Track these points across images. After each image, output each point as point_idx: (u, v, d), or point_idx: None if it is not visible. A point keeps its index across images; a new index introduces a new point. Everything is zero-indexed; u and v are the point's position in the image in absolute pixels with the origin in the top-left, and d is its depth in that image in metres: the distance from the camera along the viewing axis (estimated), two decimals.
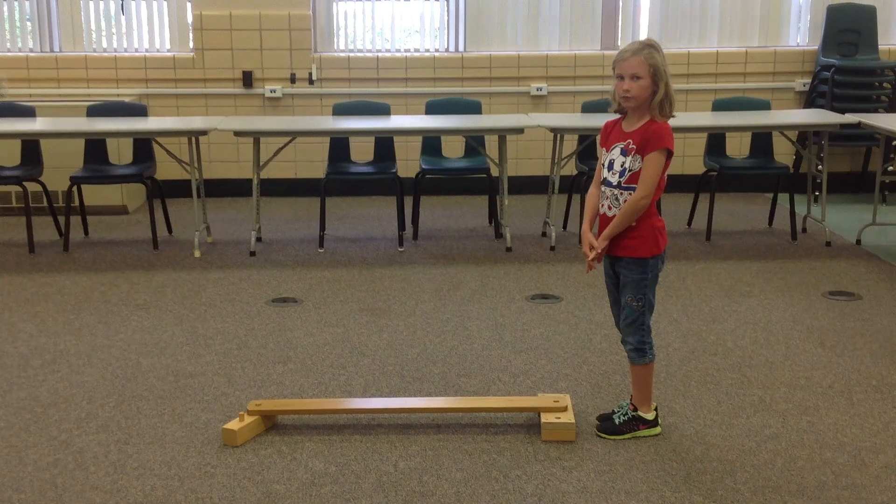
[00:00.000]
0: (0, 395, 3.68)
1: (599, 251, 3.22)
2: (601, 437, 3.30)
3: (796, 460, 3.15)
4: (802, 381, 3.80)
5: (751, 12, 7.44)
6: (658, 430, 3.33)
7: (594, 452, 3.20)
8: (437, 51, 7.45)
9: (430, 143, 6.47)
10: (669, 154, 3.15)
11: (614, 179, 3.21)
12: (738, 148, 6.87)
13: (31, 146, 6.12)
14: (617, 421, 3.33)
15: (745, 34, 7.47)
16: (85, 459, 3.17)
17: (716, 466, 3.10)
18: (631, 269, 3.23)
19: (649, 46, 3.14)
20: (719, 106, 6.49)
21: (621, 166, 3.19)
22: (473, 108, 6.51)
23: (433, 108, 6.50)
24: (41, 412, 3.54)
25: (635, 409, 3.33)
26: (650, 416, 3.33)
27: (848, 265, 5.46)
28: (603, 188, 3.26)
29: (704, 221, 6.09)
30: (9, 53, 7.24)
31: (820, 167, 6.23)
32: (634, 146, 3.17)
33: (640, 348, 3.27)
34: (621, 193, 3.19)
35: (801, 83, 7.39)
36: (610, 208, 3.22)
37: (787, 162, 6.72)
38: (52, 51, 7.31)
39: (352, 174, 6.23)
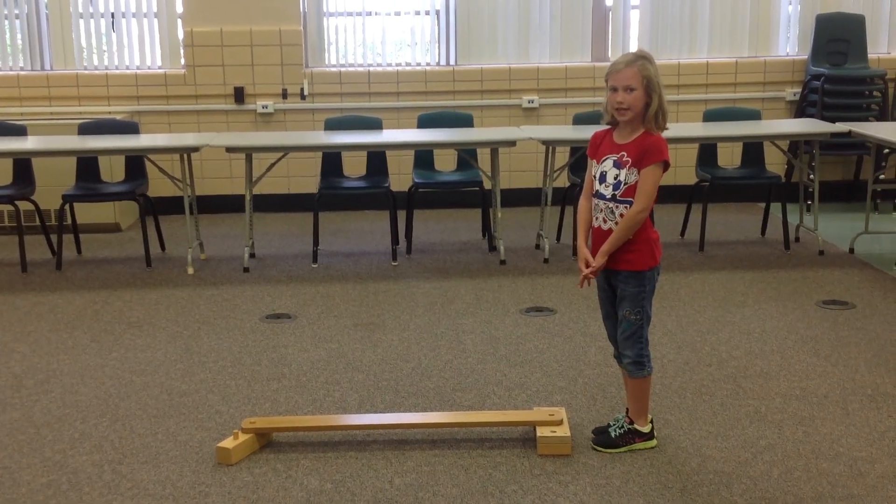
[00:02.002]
0: None
1: (597, 267, 3.21)
2: (597, 450, 3.30)
3: (792, 471, 3.14)
4: (797, 391, 3.80)
5: (740, 23, 7.47)
6: (654, 442, 3.33)
7: (590, 466, 3.19)
8: (428, 64, 7.47)
9: (423, 156, 6.47)
10: (666, 166, 3.15)
11: (608, 192, 3.20)
12: (729, 158, 6.89)
13: (22, 165, 6.10)
14: (613, 434, 3.32)
15: (734, 44, 7.50)
16: (79, 480, 3.15)
17: (712, 479, 3.10)
18: (629, 282, 3.22)
19: (643, 58, 3.14)
20: (710, 116, 6.51)
21: (615, 179, 3.18)
22: (465, 121, 6.52)
23: (425, 122, 6.51)
24: (34, 433, 3.52)
25: (631, 423, 3.32)
26: (646, 429, 3.32)
27: (841, 274, 5.46)
28: (595, 201, 3.25)
29: (697, 232, 6.10)
30: (0, 72, 7.23)
31: (811, 176, 6.25)
32: (629, 159, 3.15)
33: (638, 361, 3.26)
34: (616, 206, 3.17)
35: (792, 93, 7.42)
36: (605, 221, 3.21)
37: (779, 171, 6.75)
38: (43, 69, 7.31)
39: (344, 189, 6.23)
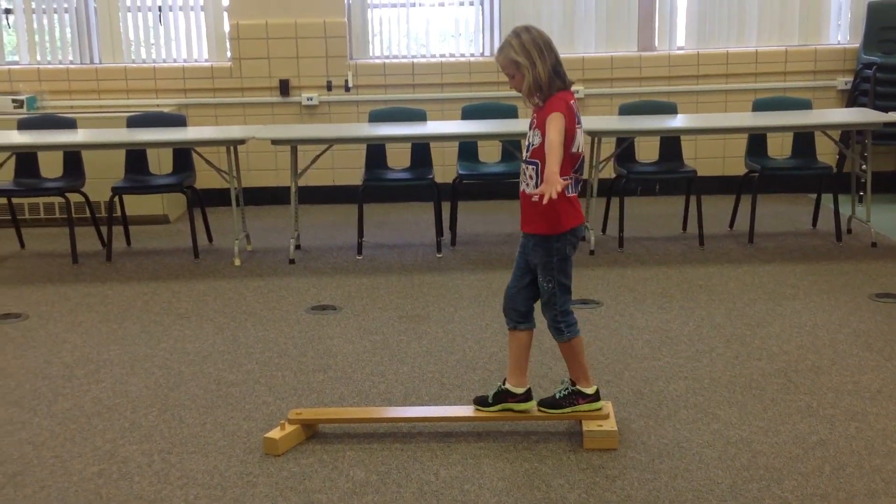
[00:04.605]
0: (45, 405, 3.72)
1: (550, 186, 3.06)
2: (543, 411, 3.36)
3: (845, 467, 3.09)
4: (850, 385, 3.73)
5: (790, 10, 7.34)
6: (599, 405, 3.35)
7: (638, 461, 3.16)
8: (472, 55, 7.44)
9: (467, 148, 6.45)
10: (564, 119, 3.15)
11: (524, 154, 3.31)
12: (779, 148, 6.78)
13: (73, 158, 6.19)
14: (557, 395, 3.36)
15: (784, 33, 7.37)
16: (129, 469, 3.19)
17: (762, 474, 3.05)
18: (536, 250, 3.28)
19: (507, 43, 3.23)
20: (760, 106, 6.41)
21: (528, 140, 3.28)
22: (510, 112, 6.48)
23: (469, 113, 6.49)
24: (86, 422, 3.57)
25: (574, 384, 3.35)
26: (590, 390, 3.34)
27: (894, 266, 5.35)
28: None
29: (747, 223, 6.02)
30: (50, 66, 7.34)
31: (864, 167, 6.13)
32: (535, 121, 3.24)
33: (555, 327, 3.31)
34: (527, 168, 3.25)
35: (843, 81, 7.29)
36: (521, 182, 3.29)
37: (830, 162, 6.62)
38: (92, 63, 7.40)
39: (389, 180, 6.24)
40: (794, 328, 4.40)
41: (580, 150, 3.26)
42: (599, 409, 3.35)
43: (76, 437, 3.44)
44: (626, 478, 3.05)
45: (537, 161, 3.20)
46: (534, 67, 3.16)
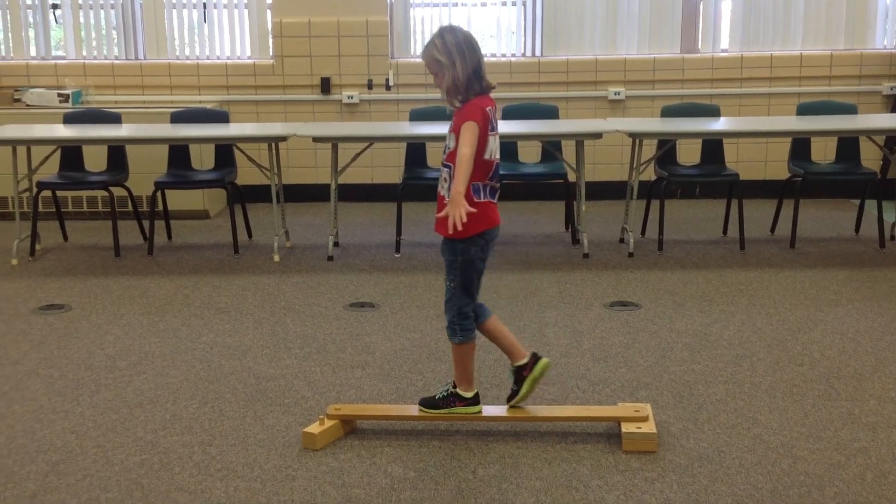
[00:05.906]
0: (88, 396, 3.78)
1: (457, 208, 3.10)
2: (422, 411, 3.41)
3: (887, 475, 3.05)
4: (892, 393, 3.68)
5: (836, 14, 7.26)
6: (478, 409, 3.39)
7: (677, 464, 3.14)
8: (513, 55, 7.44)
9: (507, 148, 6.43)
10: (478, 129, 3.16)
11: (443, 157, 3.32)
12: (823, 153, 6.70)
13: (116, 152, 6.27)
14: (437, 396, 3.41)
15: (829, 36, 7.29)
16: (170, 460, 3.22)
17: (803, 480, 3.02)
18: (444, 249, 3.31)
19: (431, 42, 3.26)
20: (804, 110, 6.35)
21: (446, 142, 3.28)
22: (550, 112, 6.47)
23: (510, 113, 6.48)
24: (127, 413, 3.61)
25: (454, 386, 3.38)
26: (468, 394, 3.38)
27: None
28: None
29: (789, 228, 5.96)
30: (95, 61, 7.44)
31: None
32: (453, 125, 3.25)
33: (451, 327, 3.34)
34: (442, 170, 3.27)
35: (889, 86, 7.19)
36: (439, 183, 3.29)
37: (875, 167, 6.53)
38: (136, 58, 7.49)
39: (428, 179, 6.23)
40: (836, 334, 4.35)
41: (493, 157, 3.27)
42: (478, 411, 3.40)
43: (118, 427, 3.49)
44: (664, 480, 3.04)
45: (451, 165, 3.20)
46: (453, 68, 3.19)
